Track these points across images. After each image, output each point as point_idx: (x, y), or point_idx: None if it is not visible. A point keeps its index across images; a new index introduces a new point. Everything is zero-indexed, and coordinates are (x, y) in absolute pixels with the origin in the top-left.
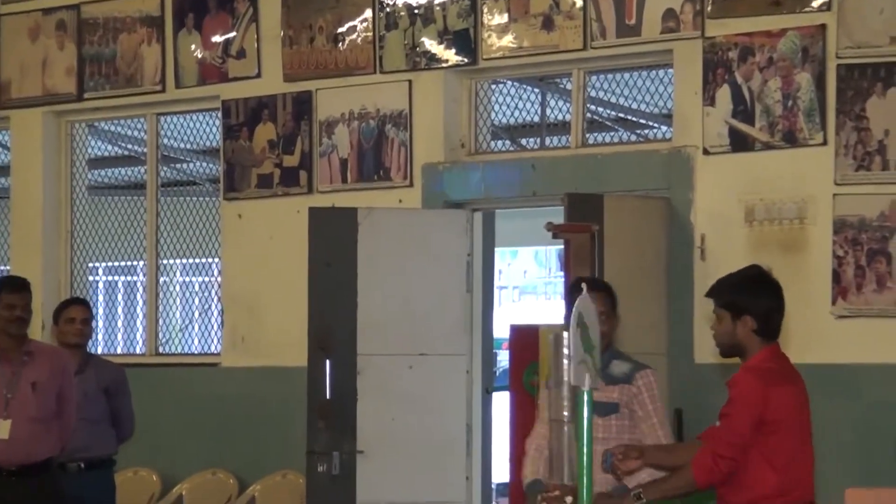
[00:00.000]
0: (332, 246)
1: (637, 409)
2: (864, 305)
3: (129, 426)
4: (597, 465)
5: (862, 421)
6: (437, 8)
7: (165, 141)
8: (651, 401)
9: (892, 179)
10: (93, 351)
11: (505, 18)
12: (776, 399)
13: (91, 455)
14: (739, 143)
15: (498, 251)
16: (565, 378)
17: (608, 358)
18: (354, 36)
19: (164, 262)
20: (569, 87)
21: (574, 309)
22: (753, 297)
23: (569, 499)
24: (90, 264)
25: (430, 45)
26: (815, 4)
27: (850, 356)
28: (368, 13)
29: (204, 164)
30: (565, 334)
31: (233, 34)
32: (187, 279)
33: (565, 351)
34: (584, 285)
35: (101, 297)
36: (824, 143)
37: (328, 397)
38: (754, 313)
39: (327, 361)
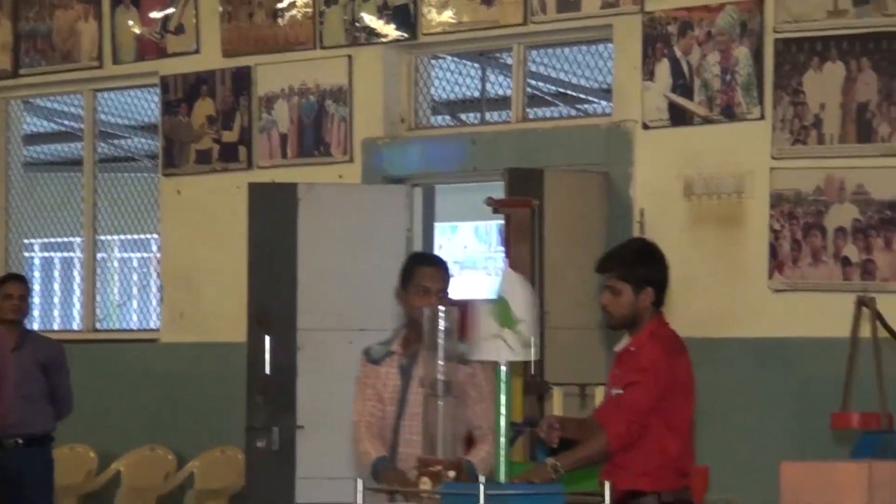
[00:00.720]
0: (272, 222)
1: (471, 390)
2: (800, 279)
3: (67, 403)
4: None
5: (797, 394)
6: None
7: (103, 117)
8: (481, 384)
9: (828, 154)
10: (29, 327)
11: None
12: (680, 368)
13: (29, 431)
14: (678, 117)
15: (438, 226)
16: (440, 353)
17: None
18: (294, 11)
19: (102, 238)
20: (509, 61)
21: (499, 284)
22: (654, 269)
23: (451, 473)
24: (26, 241)
25: (370, 20)
26: None
27: (787, 330)
28: None
29: (142, 140)
30: (441, 311)
31: (171, 10)
32: (126, 255)
33: (442, 327)
34: (506, 260)
35: (37, 274)
36: (762, 117)
37: (267, 373)
38: (655, 284)
39: (266, 337)
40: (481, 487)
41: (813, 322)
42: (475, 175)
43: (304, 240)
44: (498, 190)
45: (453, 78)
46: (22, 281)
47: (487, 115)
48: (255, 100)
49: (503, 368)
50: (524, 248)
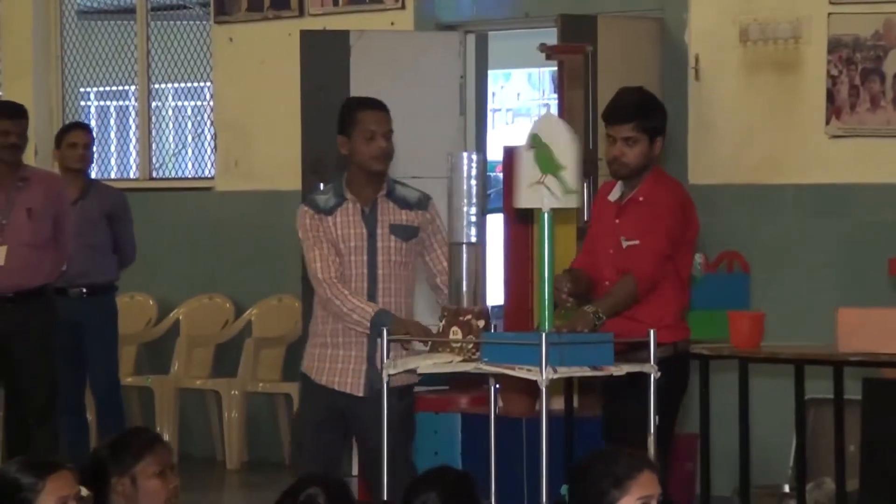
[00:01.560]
0: (324, 70)
1: (427, 236)
2: (858, 125)
3: (130, 252)
4: (408, 290)
5: (854, 241)
6: None
7: None
8: (441, 230)
9: None
10: (93, 177)
11: None
12: (692, 217)
13: (93, 281)
14: None
15: (491, 73)
16: (465, 200)
17: (391, 183)
18: None
19: (156, 86)
20: None
21: (530, 130)
22: (664, 117)
23: (481, 322)
24: (81, 89)
25: None
26: None
27: (844, 176)
28: None
29: None
30: (464, 156)
31: None
32: (179, 104)
33: (469, 172)
34: (549, 104)
35: (93, 122)
36: None
37: None
38: (664, 133)
39: (321, 185)
40: (543, 336)
41: (871, 168)
42: (528, 21)
43: (356, 88)
44: (551, 36)
45: None
46: (86, 129)
47: None
48: None
49: (546, 215)
50: (578, 95)
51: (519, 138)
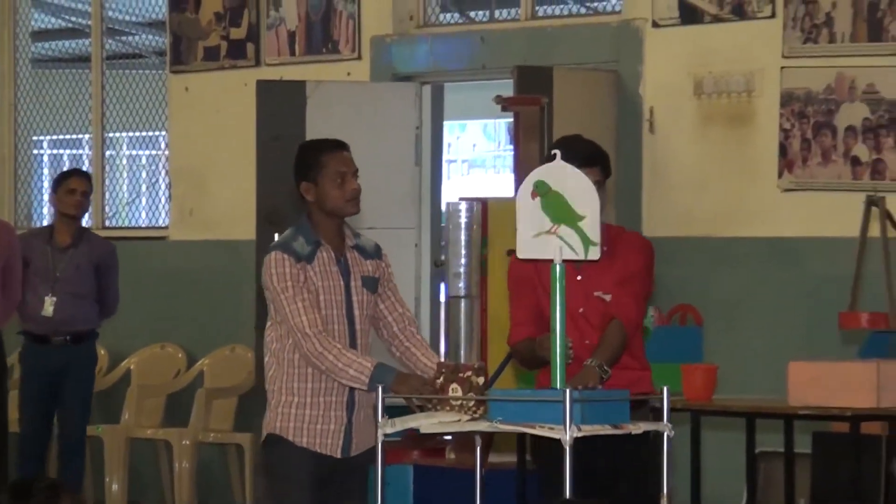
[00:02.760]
0: (280, 119)
1: (382, 285)
2: (810, 179)
3: (113, 303)
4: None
5: (806, 294)
6: None
7: (110, 13)
8: (392, 277)
9: (839, 52)
10: (39, 223)
11: None
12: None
13: (77, 329)
14: (689, 15)
15: (447, 124)
16: (463, 253)
17: (352, 232)
18: None
19: (110, 135)
20: None
21: (528, 178)
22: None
23: (481, 379)
24: (35, 137)
25: None
26: None
27: (796, 229)
28: None
29: (150, 37)
30: (462, 205)
31: None
32: (134, 152)
33: (469, 222)
34: (556, 152)
35: (46, 171)
36: (772, 15)
37: None
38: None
39: (275, 235)
40: (568, 393)
41: (822, 222)
42: (484, 73)
43: (312, 137)
44: (507, 88)
45: None
46: (86, 177)
47: (496, 13)
48: None
49: (558, 267)
50: (533, 147)
51: (474, 189)
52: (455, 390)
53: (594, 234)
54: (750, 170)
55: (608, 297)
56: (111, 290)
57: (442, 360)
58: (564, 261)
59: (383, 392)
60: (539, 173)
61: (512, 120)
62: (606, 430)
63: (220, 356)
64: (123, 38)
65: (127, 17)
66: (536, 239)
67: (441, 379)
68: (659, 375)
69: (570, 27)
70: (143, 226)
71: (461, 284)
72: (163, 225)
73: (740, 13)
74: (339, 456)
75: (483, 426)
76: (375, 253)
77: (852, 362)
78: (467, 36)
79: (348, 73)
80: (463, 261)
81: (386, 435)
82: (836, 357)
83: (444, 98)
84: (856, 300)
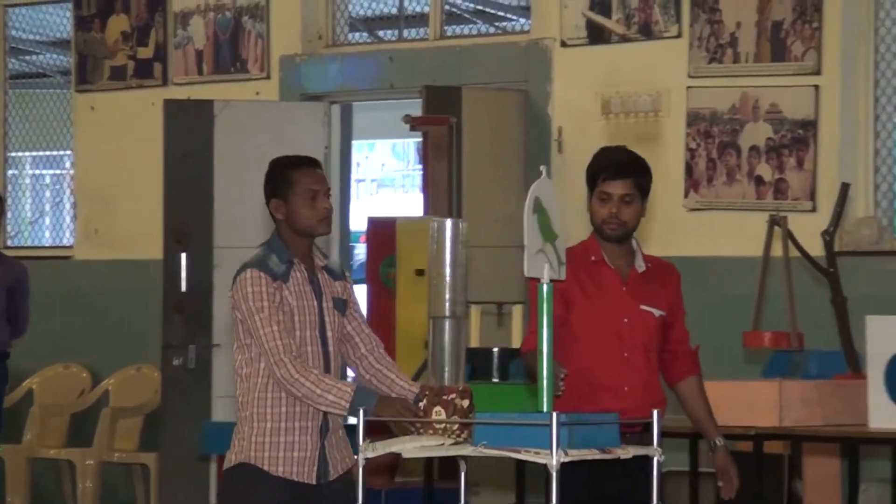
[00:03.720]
0: (188, 139)
1: (349, 307)
2: (715, 198)
3: (24, 324)
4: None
5: (710, 313)
6: None
7: (14, 32)
8: (356, 297)
9: (744, 72)
10: None
11: None
12: None
13: None
14: (596, 35)
15: (355, 144)
16: (447, 272)
17: (321, 252)
18: None
19: (14, 154)
20: None
21: (530, 193)
22: (651, 179)
23: (465, 402)
24: None
25: None
26: None
27: (701, 249)
28: None
29: (55, 56)
30: (448, 223)
31: None
32: (37, 172)
33: (454, 240)
34: (543, 168)
35: None
36: (679, 35)
37: (183, 290)
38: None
39: (183, 255)
40: (554, 417)
41: (726, 241)
42: (393, 92)
43: (220, 157)
44: (416, 107)
45: None
46: None
47: (405, 32)
48: (171, 16)
49: (545, 286)
50: (442, 166)
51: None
52: (439, 413)
53: (563, 253)
54: (657, 189)
55: (656, 313)
56: (23, 310)
57: (421, 382)
58: (610, 267)
59: (365, 416)
60: (535, 189)
61: (421, 139)
62: (594, 454)
63: (125, 376)
64: (27, 57)
65: (31, 36)
66: (535, 256)
67: (425, 401)
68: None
69: (479, 47)
70: (47, 245)
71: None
72: (67, 244)
73: (647, 33)
74: (314, 482)
75: (467, 450)
76: (342, 274)
77: (755, 381)
78: (376, 56)
79: (257, 93)
80: None
81: (367, 459)
82: (740, 376)
83: (352, 117)
84: (759, 319)
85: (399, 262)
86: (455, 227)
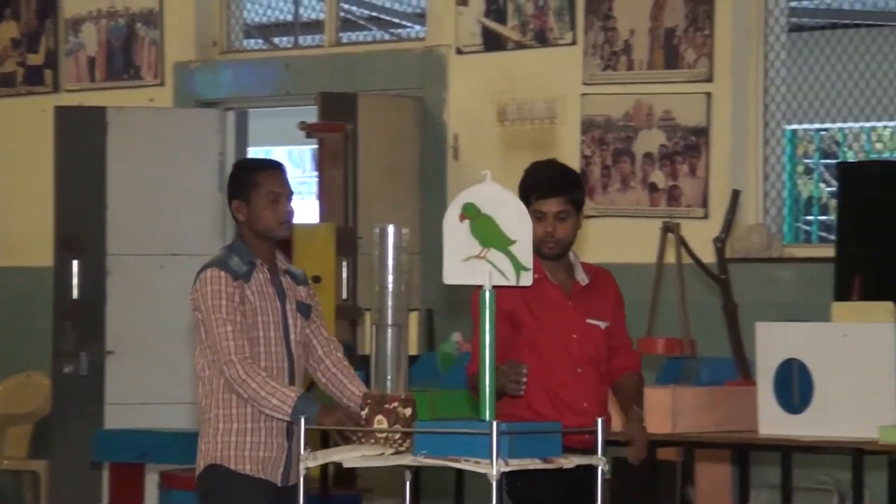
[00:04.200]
0: (80, 146)
1: (315, 310)
2: (610, 205)
3: None
4: (345, 375)
5: None
6: None
7: None
8: (318, 303)
9: (637, 80)
10: None
11: None
12: None
13: None
14: (492, 42)
15: (251, 150)
16: (389, 278)
17: (283, 256)
18: None
19: None
20: None
21: (456, 200)
22: (584, 192)
23: (408, 410)
24: None
25: None
26: None
27: (596, 256)
28: None
29: None
30: (391, 229)
31: None
32: None
33: (397, 246)
34: (487, 172)
35: None
36: (573, 42)
37: (75, 298)
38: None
39: (74, 262)
40: (495, 426)
41: (621, 248)
42: (288, 99)
43: (113, 164)
44: (312, 114)
45: (266, 1)
46: None
47: (301, 39)
48: (62, 22)
49: (487, 292)
50: (337, 173)
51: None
52: (381, 422)
53: (526, 259)
54: None
55: (602, 325)
56: None
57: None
58: (553, 282)
59: (307, 423)
60: (468, 195)
61: (317, 146)
62: (536, 463)
63: (15, 383)
64: None
65: None
66: (465, 263)
67: (367, 410)
68: (458, 402)
69: (375, 54)
70: None
71: None
72: None
73: (542, 40)
74: (279, 484)
75: (407, 460)
76: (304, 279)
77: (649, 388)
78: (271, 62)
79: (151, 100)
80: None
81: (307, 469)
82: None
83: (248, 124)
84: (652, 326)
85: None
86: (398, 234)
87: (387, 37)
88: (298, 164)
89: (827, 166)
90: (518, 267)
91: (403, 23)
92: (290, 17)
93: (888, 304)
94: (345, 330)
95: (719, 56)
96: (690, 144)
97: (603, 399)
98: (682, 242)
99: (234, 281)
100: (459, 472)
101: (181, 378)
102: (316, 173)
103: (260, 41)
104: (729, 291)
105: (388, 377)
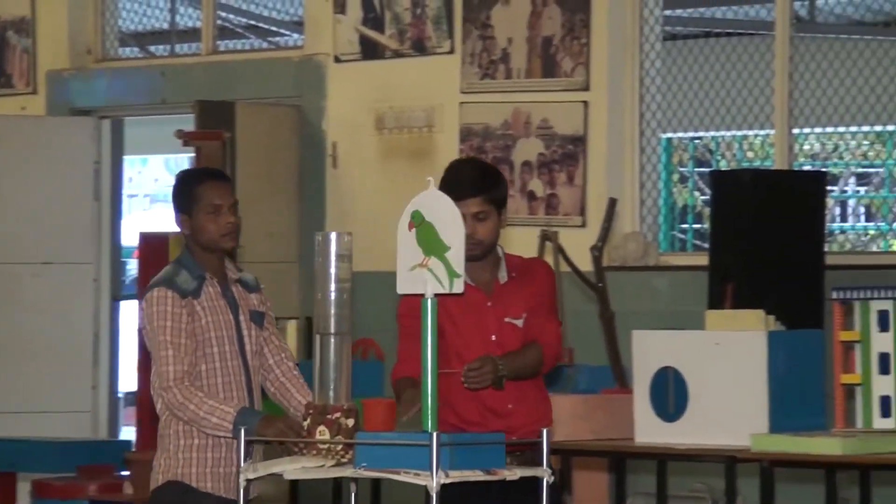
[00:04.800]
0: None
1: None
2: None
3: None
4: (297, 385)
5: None
6: None
7: None
8: (270, 308)
9: (515, 88)
10: None
11: None
12: None
13: None
14: (370, 50)
15: (128, 158)
16: (332, 286)
17: (234, 266)
18: None
19: None
20: None
21: (408, 208)
22: (505, 187)
23: (350, 421)
24: None
25: None
26: None
27: None
28: None
29: None
30: (333, 235)
31: None
32: None
33: (339, 254)
34: (430, 179)
35: None
36: (451, 51)
37: None
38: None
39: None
40: (434, 437)
41: None
42: (165, 107)
43: None
44: (189, 122)
45: (141, 9)
46: None
47: (177, 47)
48: None
49: (429, 302)
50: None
51: (156, 224)
52: (322, 432)
53: (458, 265)
54: None
55: (519, 323)
56: None
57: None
58: (470, 284)
59: (247, 435)
60: (416, 202)
61: (194, 155)
62: (478, 475)
63: None
64: None
65: None
66: (412, 273)
67: (308, 420)
68: None
69: (252, 62)
70: None
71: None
72: None
73: (420, 49)
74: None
75: (347, 472)
76: (256, 286)
77: None
78: (147, 70)
79: (23, 108)
80: None
81: (248, 480)
82: None
83: (123, 132)
84: None
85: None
86: (340, 241)
87: (264, 45)
88: (175, 173)
89: (701, 174)
90: (451, 274)
91: (281, 31)
92: (166, 26)
93: (759, 312)
94: None
95: (596, 65)
96: (568, 153)
97: (531, 398)
98: (559, 251)
99: (182, 299)
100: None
101: (54, 387)
102: None
103: (136, 49)
104: (606, 299)
105: (331, 387)
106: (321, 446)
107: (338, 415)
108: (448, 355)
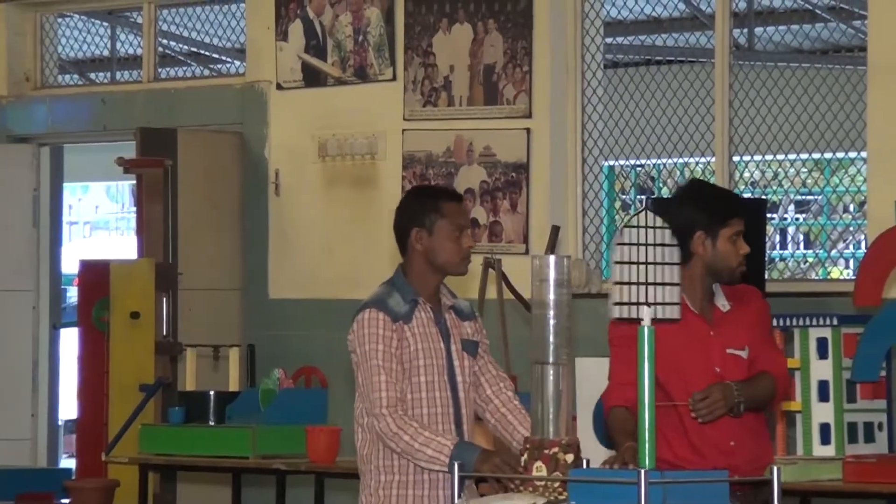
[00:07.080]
0: None
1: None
2: None
3: None
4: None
5: None
6: None
7: None
8: (486, 335)
9: (457, 115)
10: None
11: None
12: None
13: None
14: (312, 78)
15: (68, 186)
16: (551, 314)
17: (449, 292)
18: None
19: None
20: (139, 20)
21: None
22: None
23: (569, 457)
24: None
25: None
26: None
27: None
28: None
29: None
30: (551, 260)
31: None
32: None
33: (551, 281)
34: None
35: None
36: (394, 78)
37: None
38: None
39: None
40: (643, 473)
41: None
42: (106, 135)
43: None
44: (130, 149)
45: (82, 36)
46: None
47: (118, 75)
48: None
49: (646, 330)
50: (157, 209)
51: (96, 252)
52: (539, 469)
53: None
54: (373, 232)
55: (743, 354)
56: None
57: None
58: (694, 312)
59: (462, 470)
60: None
61: (135, 182)
62: None
63: None
64: None
65: None
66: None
67: (526, 456)
68: (283, 437)
69: (194, 89)
70: None
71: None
72: None
73: (363, 76)
74: None
75: None
76: (471, 313)
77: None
78: (88, 98)
79: None
80: None
81: None
82: None
83: (63, 160)
84: None
85: (113, 304)
86: (558, 265)
87: (206, 72)
88: (117, 200)
89: (643, 202)
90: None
91: (223, 58)
92: (106, 53)
93: None
94: (164, 366)
95: (538, 92)
96: (511, 180)
97: (753, 434)
98: (503, 278)
99: (393, 323)
100: None
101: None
102: (135, 209)
103: (76, 76)
104: None
105: (550, 420)
106: (538, 483)
107: (555, 450)
108: (666, 388)
